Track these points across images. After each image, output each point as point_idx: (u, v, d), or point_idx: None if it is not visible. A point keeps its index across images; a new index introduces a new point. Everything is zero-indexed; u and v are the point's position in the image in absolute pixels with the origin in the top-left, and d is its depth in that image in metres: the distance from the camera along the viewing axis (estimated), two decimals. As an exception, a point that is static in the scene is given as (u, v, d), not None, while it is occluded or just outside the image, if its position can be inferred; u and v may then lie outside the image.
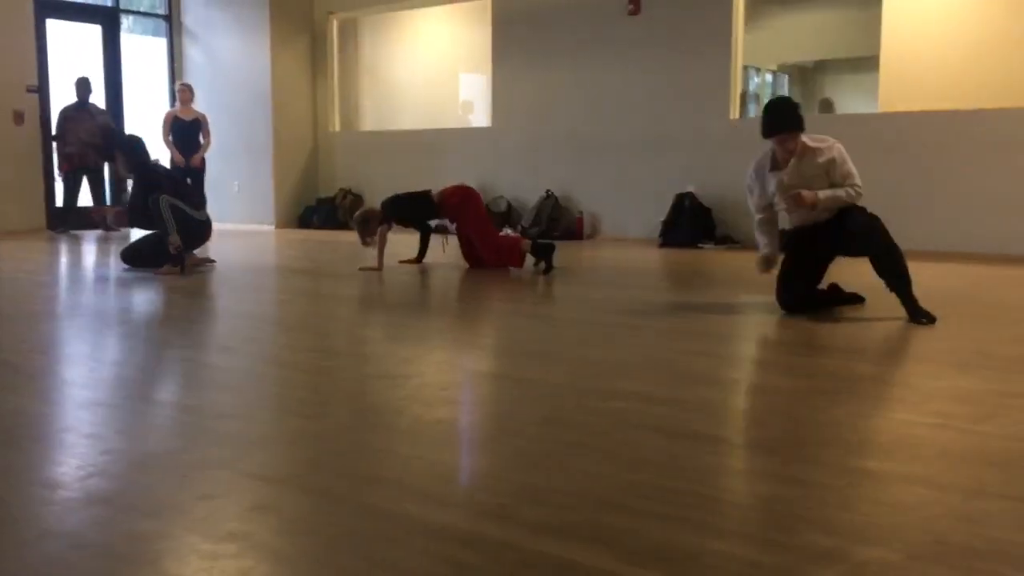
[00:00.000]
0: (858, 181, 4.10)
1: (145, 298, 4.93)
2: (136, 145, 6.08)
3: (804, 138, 4.10)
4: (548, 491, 1.89)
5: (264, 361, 3.27)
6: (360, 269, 6.07)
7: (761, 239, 4.34)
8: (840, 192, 4.07)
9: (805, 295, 4.18)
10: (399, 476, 1.99)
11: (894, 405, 2.60)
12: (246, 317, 4.23)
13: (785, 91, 14.23)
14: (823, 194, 4.04)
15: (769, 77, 14.10)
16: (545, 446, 2.21)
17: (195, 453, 2.16)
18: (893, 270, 3.97)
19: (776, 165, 4.17)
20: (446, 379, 3.00)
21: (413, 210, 6.19)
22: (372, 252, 6.05)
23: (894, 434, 2.31)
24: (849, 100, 13.10)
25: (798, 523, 1.72)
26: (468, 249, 6.24)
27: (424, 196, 6.16)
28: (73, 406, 2.61)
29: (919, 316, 3.91)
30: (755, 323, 4.08)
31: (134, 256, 6.15)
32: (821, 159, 4.08)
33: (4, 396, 2.71)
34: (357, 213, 6.25)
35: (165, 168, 6.76)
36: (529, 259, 6.08)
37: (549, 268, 5.88)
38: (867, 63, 9.86)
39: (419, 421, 2.44)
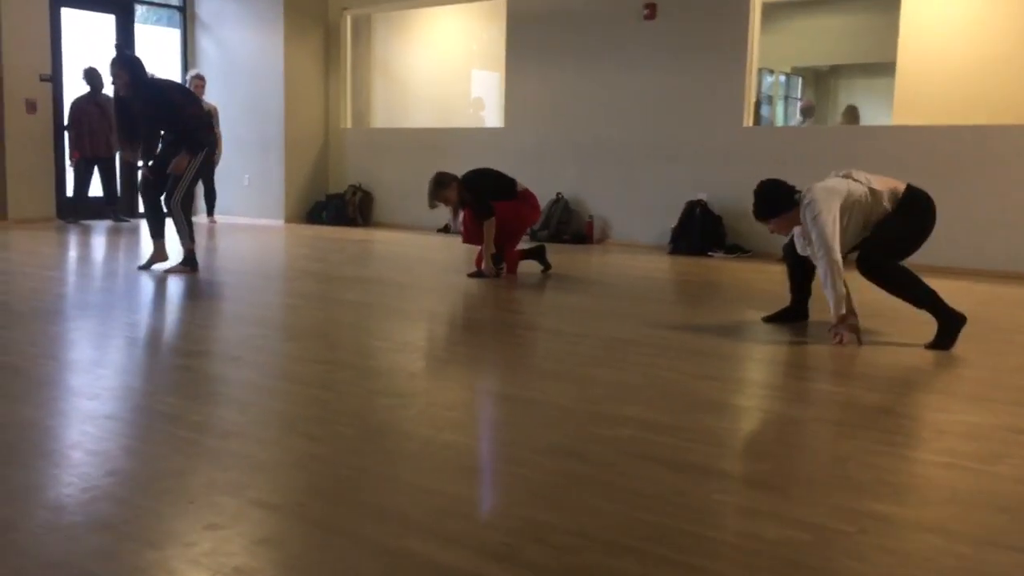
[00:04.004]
0: (819, 246, 3.85)
1: (154, 299, 4.93)
2: (138, 62, 5.73)
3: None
4: (552, 529, 1.88)
5: (270, 374, 3.27)
6: (470, 275, 5.99)
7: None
8: (825, 281, 3.89)
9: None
10: (404, 509, 1.98)
11: (903, 441, 2.58)
12: (254, 323, 4.23)
13: (798, 93, 14.19)
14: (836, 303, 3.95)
15: (783, 79, 14.04)
16: (550, 478, 2.20)
17: (201, 475, 2.15)
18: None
19: None
20: (453, 398, 2.99)
21: (496, 186, 6.05)
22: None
23: (904, 474, 2.29)
24: (863, 105, 13.04)
25: (806, 572, 1.70)
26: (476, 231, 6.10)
27: (508, 178, 6.14)
28: (79, 418, 2.61)
29: (942, 342, 3.89)
30: (763, 343, 4.06)
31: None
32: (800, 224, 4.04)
33: (12, 406, 2.71)
34: (436, 175, 6.02)
35: (171, 83, 6.03)
36: (532, 267, 6.22)
37: (547, 266, 6.34)
38: (882, 68, 9.80)
39: (426, 445, 2.43)
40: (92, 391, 2.91)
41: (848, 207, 3.94)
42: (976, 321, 4.66)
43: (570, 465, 2.29)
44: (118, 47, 5.79)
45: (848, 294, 3.99)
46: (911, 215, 4.03)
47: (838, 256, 3.86)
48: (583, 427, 2.63)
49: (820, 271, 3.91)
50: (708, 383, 3.23)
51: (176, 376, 3.18)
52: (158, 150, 5.84)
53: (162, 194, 5.80)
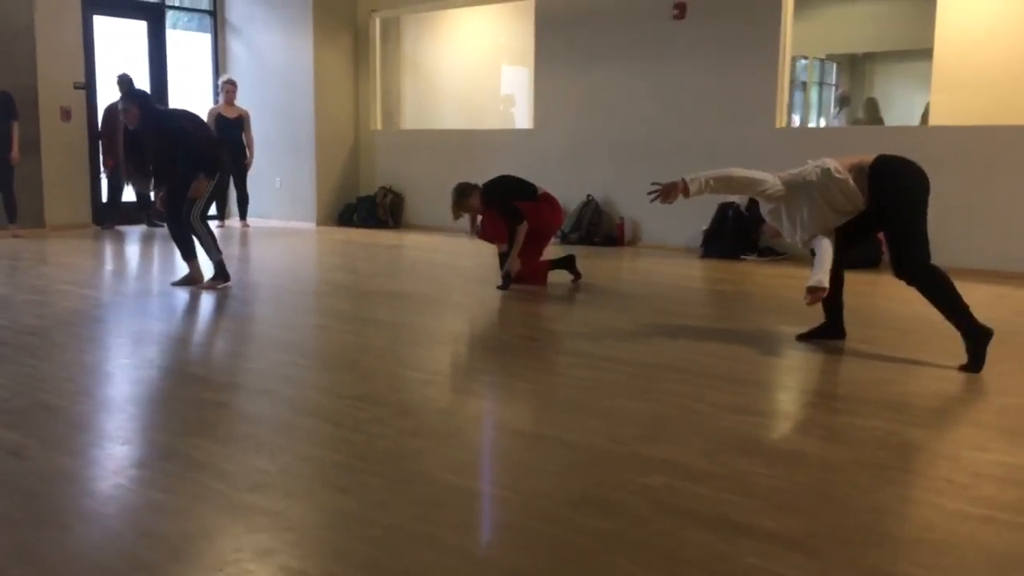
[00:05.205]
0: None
1: (187, 322, 4.98)
2: (147, 96, 5.84)
3: None
4: (584, 602, 1.86)
5: (301, 409, 3.28)
6: (499, 288, 5.89)
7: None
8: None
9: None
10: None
11: (941, 488, 2.53)
12: (286, 348, 4.25)
13: (832, 79, 13.97)
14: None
15: (817, 63, 13.80)
16: (582, 538, 2.18)
17: (230, 538, 2.16)
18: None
19: None
20: (484, 439, 2.98)
21: (516, 188, 6.08)
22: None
23: (941, 529, 2.24)
24: (899, 92, 12.81)
25: (841, 656, 1.68)
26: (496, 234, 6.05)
27: (528, 182, 6.16)
28: (113, 468, 2.63)
29: (973, 365, 3.81)
30: (796, 367, 4.01)
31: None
32: None
33: (49, 454, 2.74)
34: (458, 185, 6.03)
35: (180, 111, 6.07)
36: (562, 276, 6.18)
37: (577, 275, 6.26)
38: (918, 54, 9.59)
39: (456, 497, 2.42)
40: (125, 434, 2.95)
41: (800, 188, 4.06)
42: (1017, 335, 4.55)
43: (602, 522, 2.27)
44: (128, 82, 5.91)
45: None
46: (897, 189, 3.94)
47: (729, 172, 4.17)
48: (615, 473, 2.61)
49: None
50: (741, 418, 3.18)
51: (207, 415, 3.20)
52: (172, 174, 5.88)
53: (181, 214, 5.83)
